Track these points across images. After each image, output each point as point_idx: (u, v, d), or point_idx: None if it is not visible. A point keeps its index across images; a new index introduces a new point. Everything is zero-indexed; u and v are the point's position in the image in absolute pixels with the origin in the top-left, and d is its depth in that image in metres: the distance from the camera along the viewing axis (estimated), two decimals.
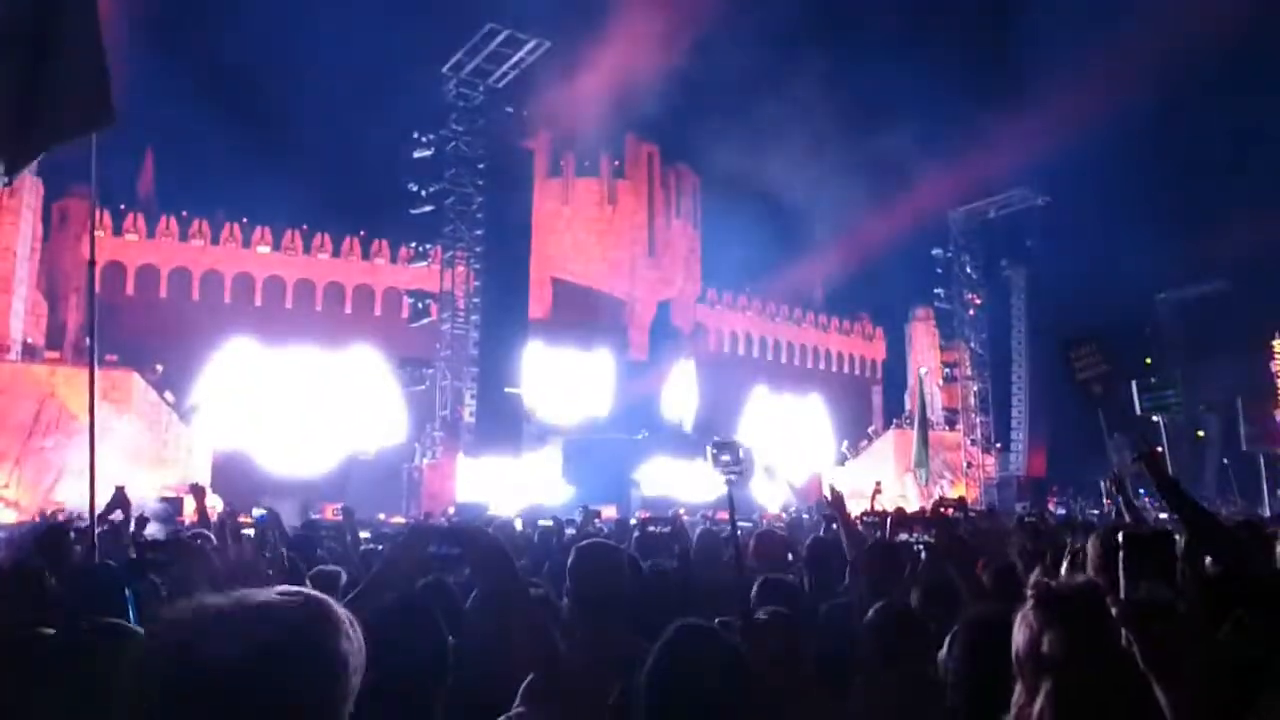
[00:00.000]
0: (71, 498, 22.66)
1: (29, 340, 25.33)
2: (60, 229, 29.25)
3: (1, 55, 4.14)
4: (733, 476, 3.25)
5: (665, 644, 2.00)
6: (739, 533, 8.49)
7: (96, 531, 3.93)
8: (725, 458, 3.25)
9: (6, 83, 4.13)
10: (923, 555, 3.97)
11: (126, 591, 3.06)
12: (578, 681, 2.41)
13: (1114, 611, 1.50)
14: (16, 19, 4.22)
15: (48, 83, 4.15)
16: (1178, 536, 1.58)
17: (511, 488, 24.47)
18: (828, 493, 5.46)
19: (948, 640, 2.33)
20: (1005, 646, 1.86)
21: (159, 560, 3.12)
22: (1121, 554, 1.51)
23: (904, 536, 3.43)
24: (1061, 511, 18.50)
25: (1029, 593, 1.87)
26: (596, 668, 2.51)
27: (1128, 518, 5.17)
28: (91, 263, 4.47)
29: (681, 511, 20.89)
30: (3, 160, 4.26)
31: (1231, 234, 37.31)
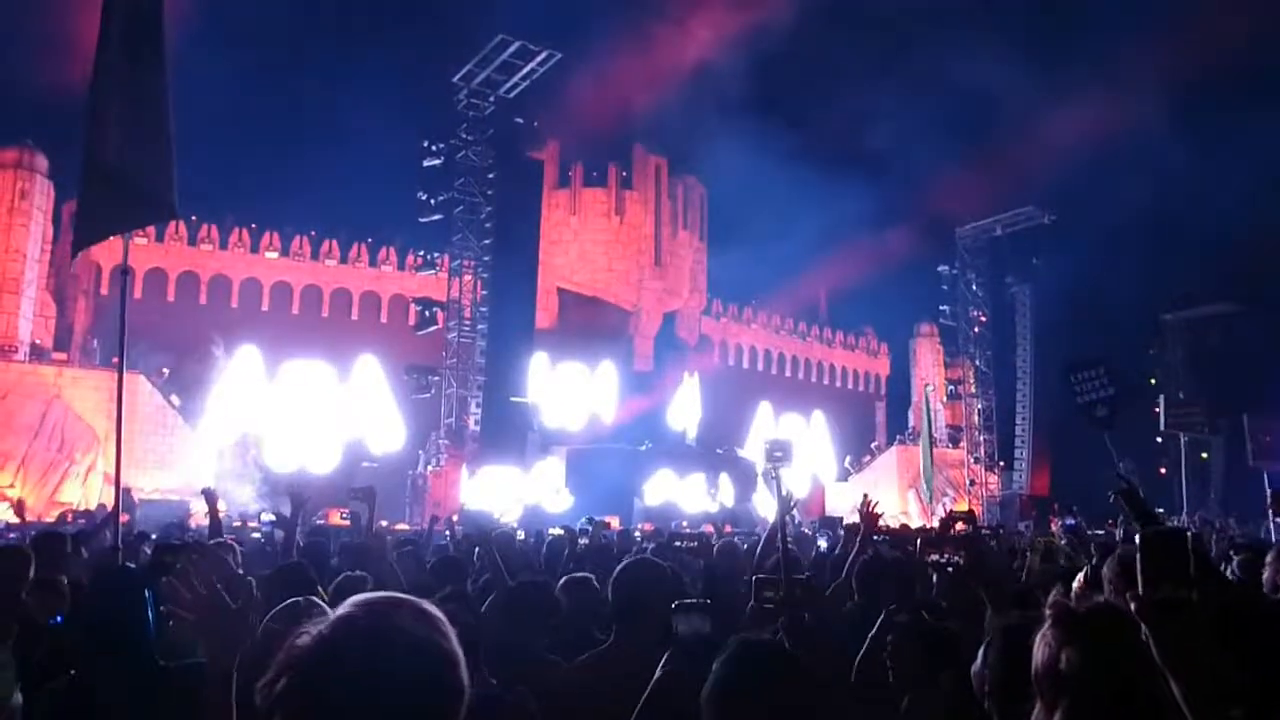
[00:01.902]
0: (75, 499, 22.73)
1: (37, 342, 25.42)
2: (70, 231, 29.34)
3: (95, 130, 4.24)
4: (783, 467, 3.37)
5: (728, 659, 1.98)
6: (745, 545, 8.49)
7: (120, 534, 3.97)
8: (778, 453, 3.37)
9: (95, 159, 4.24)
10: (935, 574, 4.00)
11: (147, 593, 3.10)
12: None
13: (1132, 607, 1.54)
14: (109, 93, 4.32)
15: (125, 169, 4.25)
16: (1190, 533, 1.61)
17: (515, 496, 24.51)
18: (859, 507, 5.45)
19: (981, 649, 2.35)
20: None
21: (175, 564, 3.15)
22: (1139, 554, 1.55)
23: (934, 557, 3.47)
24: (1070, 521, 18.37)
25: (1047, 612, 1.90)
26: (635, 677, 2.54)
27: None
28: (125, 278, 4.51)
29: (684, 524, 20.93)
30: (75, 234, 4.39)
31: (1239, 255, 37.31)
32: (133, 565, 3.50)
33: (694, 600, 2.89)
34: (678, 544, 6.49)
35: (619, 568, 3.23)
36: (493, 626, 3.45)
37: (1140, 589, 1.53)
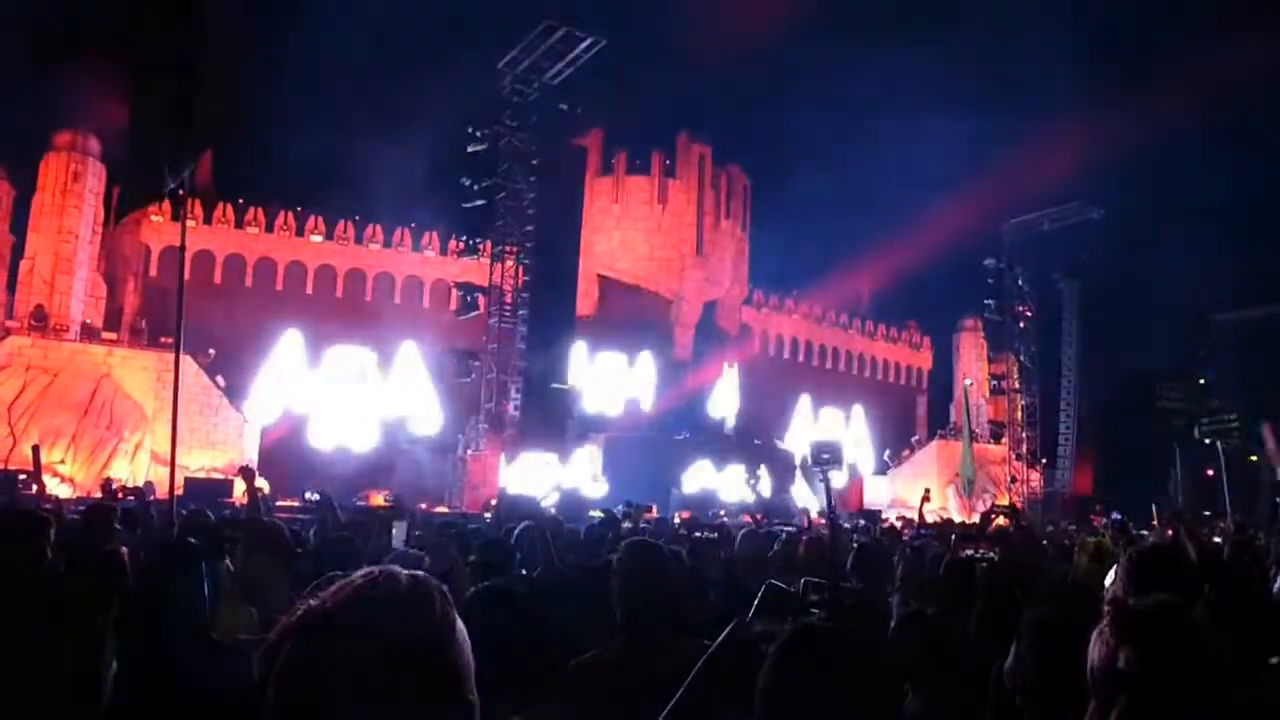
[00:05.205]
0: (124, 476, 23.18)
1: (88, 321, 25.90)
2: (121, 213, 29.80)
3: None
4: (832, 470, 3.33)
5: (786, 644, 1.95)
6: (784, 535, 8.46)
7: (174, 510, 4.05)
8: (826, 455, 3.33)
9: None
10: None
11: (204, 565, 3.16)
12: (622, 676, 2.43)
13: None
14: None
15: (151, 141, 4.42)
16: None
17: (553, 482, 24.60)
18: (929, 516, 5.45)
19: (1014, 645, 2.31)
20: (1074, 643, 1.86)
21: (236, 538, 3.22)
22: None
23: (969, 552, 3.43)
24: (1116, 516, 18.10)
25: (1105, 609, 1.88)
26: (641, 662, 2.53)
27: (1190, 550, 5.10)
28: (180, 278, 4.59)
29: (721, 513, 20.90)
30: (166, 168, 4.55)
31: None
32: (192, 540, 3.58)
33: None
34: (696, 534, 6.34)
35: (619, 555, 3.14)
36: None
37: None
